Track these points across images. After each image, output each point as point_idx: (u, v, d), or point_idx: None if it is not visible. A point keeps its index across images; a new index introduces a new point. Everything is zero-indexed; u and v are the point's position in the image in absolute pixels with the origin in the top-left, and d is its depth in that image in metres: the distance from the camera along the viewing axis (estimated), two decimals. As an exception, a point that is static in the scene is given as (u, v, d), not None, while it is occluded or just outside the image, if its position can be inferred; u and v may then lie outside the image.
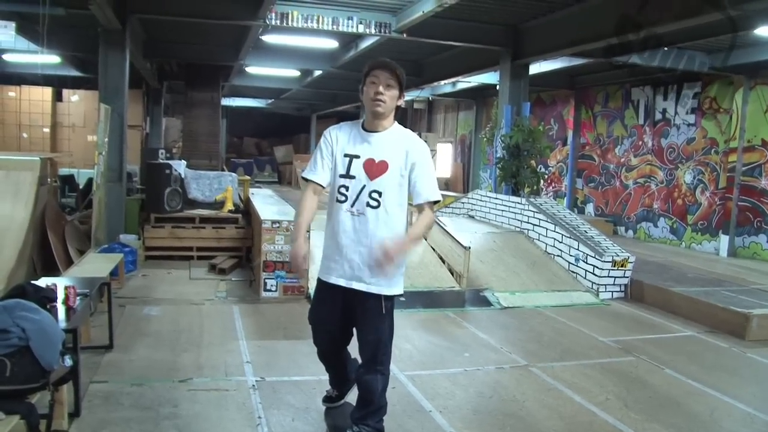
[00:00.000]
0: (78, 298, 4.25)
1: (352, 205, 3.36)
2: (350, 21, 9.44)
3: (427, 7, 8.51)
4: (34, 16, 8.91)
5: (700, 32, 9.05)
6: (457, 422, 4.15)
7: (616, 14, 8.29)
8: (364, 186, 3.32)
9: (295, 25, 9.32)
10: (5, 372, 3.08)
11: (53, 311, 3.87)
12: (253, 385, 4.60)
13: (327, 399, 3.97)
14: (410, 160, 3.33)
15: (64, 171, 12.29)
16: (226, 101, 21.70)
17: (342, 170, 3.40)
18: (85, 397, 4.14)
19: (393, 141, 3.36)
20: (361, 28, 9.60)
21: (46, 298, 3.86)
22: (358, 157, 3.36)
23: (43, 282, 4.39)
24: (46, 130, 14.07)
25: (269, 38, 11.37)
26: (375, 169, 3.32)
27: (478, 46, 10.68)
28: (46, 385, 3.24)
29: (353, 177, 3.37)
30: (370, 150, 3.36)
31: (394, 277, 3.38)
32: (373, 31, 9.63)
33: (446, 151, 21.86)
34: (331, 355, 3.73)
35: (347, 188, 3.37)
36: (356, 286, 3.39)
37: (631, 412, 4.46)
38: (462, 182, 20.49)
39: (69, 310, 4.05)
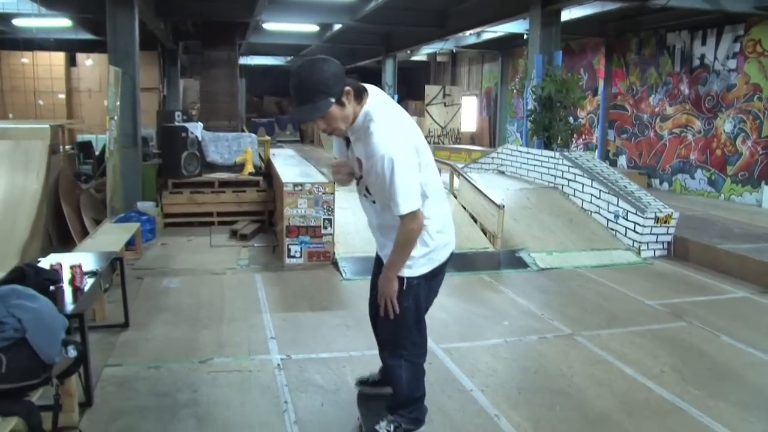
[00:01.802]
0: (86, 277, 3.94)
1: (358, 186, 3.04)
2: (371, -32, 8.87)
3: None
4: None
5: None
6: (502, 403, 3.80)
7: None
8: (361, 177, 2.91)
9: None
10: (0, 368, 2.77)
11: (58, 294, 3.57)
12: (278, 365, 4.28)
13: (362, 381, 3.63)
14: (368, 164, 2.76)
15: (81, 138, 12.03)
16: (244, 60, 21.19)
17: (345, 152, 3.00)
18: (99, 383, 3.86)
19: (357, 136, 2.80)
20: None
21: (49, 280, 3.54)
22: (349, 142, 2.91)
23: (47, 261, 4.08)
24: (61, 96, 13.78)
25: (285, -9, 10.83)
26: (358, 165, 2.85)
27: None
28: (48, 380, 2.94)
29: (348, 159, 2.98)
30: (353, 144, 2.88)
31: (415, 260, 2.94)
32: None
33: (471, 104, 21.22)
34: (374, 329, 3.37)
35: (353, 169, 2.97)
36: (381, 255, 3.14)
37: (689, 386, 4.06)
38: (488, 136, 19.91)
39: (76, 291, 3.74)
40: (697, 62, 12.76)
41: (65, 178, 7.49)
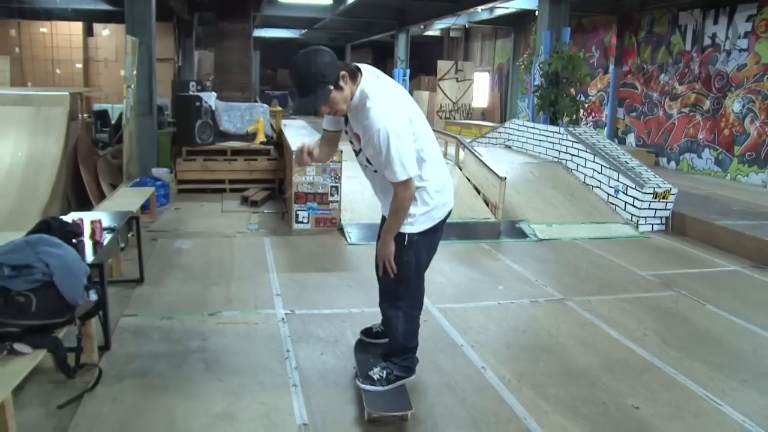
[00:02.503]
0: (105, 232, 4.23)
1: (356, 157, 3.27)
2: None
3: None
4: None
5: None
6: (490, 357, 4.08)
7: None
8: (361, 150, 3.14)
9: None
10: (30, 307, 3.06)
11: (80, 246, 3.85)
12: (282, 318, 4.57)
13: (367, 331, 3.85)
14: (366, 137, 2.99)
15: (98, 106, 12.31)
16: (259, 33, 21.35)
17: (339, 125, 3.29)
18: (116, 331, 4.17)
19: (354, 113, 3.04)
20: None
21: (72, 233, 3.82)
22: (348, 121, 3.15)
23: (70, 217, 4.36)
24: (79, 65, 14.03)
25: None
26: (357, 139, 3.11)
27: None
28: (72, 320, 3.23)
29: (347, 132, 3.23)
30: (351, 120, 3.12)
31: (415, 218, 3.18)
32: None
33: (483, 80, 21.28)
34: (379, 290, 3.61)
35: (352, 144, 3.23)
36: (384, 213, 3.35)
37: (669, 348, 4.32)
38: (500, 112, 20.01)
39: (96, 244, 4.03)
40: (708, 41, 12.79)
41: (83, 144, 7.77)
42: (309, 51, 2.93)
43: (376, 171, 3.13)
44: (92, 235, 4.07)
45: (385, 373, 3.39)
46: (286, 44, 26.98)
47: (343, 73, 2.92)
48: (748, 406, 3.55)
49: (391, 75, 18.87)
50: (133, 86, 7.69)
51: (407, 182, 2.98)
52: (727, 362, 4.14)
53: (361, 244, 6.66)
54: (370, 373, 3.40)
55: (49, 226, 3.67)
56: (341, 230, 7.13)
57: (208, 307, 4.74)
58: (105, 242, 4.12)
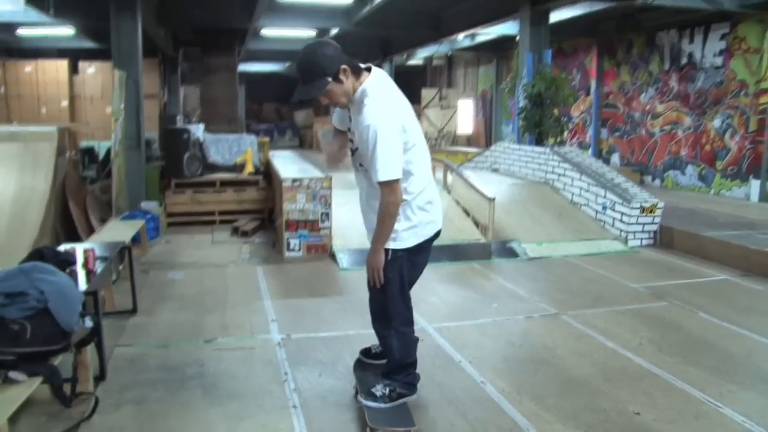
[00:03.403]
0: (98, 261, 4.22)
1: (352, 156, 3.32)
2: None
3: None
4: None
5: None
6: (487, 372, 4.08)
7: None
8: (357, 149, 3.20)
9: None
10: (25, 335, 3.05)
11: (73, 275, 3.83)
12: (279, 343, 4.56)
13: (366, 351, 3.81)
14: (359, 134, 3.08)
15: (84, 144, 12.31)
16: (243, 67, 21.50)
17: (347, 123, 3.32)
18: (111, 361, 4.13)
19: (354, 110, 3.13)
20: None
21: (65, 262, 3.83)
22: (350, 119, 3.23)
23: (62, 247, 4.36)
24: (65, 103, 14.04)
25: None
26: (352, 136, 3.19)
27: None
28: (67, 347, 3.21)
29: (350, 130, 3.28)
30: (351, 118, 3.21)
31: (398, 234, 3.19)
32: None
33: (467, 107, 21.50)
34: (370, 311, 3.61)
35: (351, 142, 3.28)
36: (367, 233, 3.37)
37: (665, 355, 4.34)
38: (484, 137, 20.18)
39: (89, 273, 4.02)
40: (685, 60, 13.05)
41: (72, 179, 7.77)
42: (314, 43, 3.05)
43: (365, 170, 3.16)
44: (85, 264, 4.06)
45: (387, 390, 3.38)
46: (270, 78, 27.24)
47: (344, 66, 2.99)
48: (747, 407, 3.57)
49: None
50: (121, 120, 7.72)
51: (392, 185, 3.00)
52: (723, 366, 4.17)
53: (353, 269, 6.67)
54: (373, 390, 3.39)
55: (42, 255, 3.68)
56: (333, 256, 7.13)
57: (204, 334, 4.72)
58: (98, 271, 4.11)
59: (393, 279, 3.23)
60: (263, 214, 8.99)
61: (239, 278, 6.35)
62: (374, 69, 3.16)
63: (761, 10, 11.00)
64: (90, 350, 3.64)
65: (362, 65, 3.12)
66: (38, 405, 3.47)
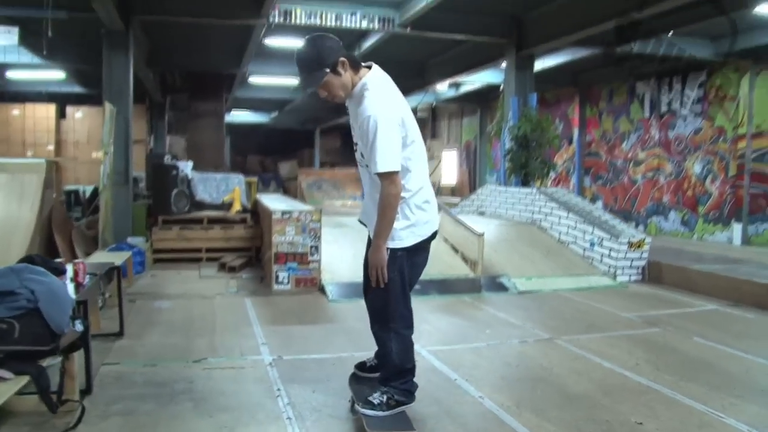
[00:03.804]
0: (87, 276, 4.14)
1: (356, 155, 3.32)
2: (353, 16, 9.38)
3: (432, -6, 8.48)
4: (36, 26, 8.93)
5: (703, 13, 8.94)
6: (485, 388, 4.00)
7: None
8: (357, 144, 3.22)
9: (298, 22, 9.28)
10: (13, 333, 2.96)
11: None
12: (270, 363, 4.45)
13: (361, 365, 3.71)
14: (359, 127, 3.10)
15: (69, 187, 12.26)
16: (229, 118, 21.68)
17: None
18: (96, 378, 3.99)
19: (354, 105, 3.18)
20: (364, 24, 9.53)
21: (56, 270, 3.73)
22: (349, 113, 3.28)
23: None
24: (51, 147, 14.04)
25: (271, 41, 11.31)
26: (353, 131, 3.22)
27: (481, 38, 10.62)
28: (56, 349, 3.12)
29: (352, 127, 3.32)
30: (351, 114, 3.26)
31: (397, 233, 3.17)
32: (376, 27, 9.57)
33: (451, 158, 21.76)
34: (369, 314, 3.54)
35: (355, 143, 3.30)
36: (369, 230, 3.34)
37: (663, 374, 4.29)
38: (468, 188, 20.35)
39: (78, 286, 3.93)
40: (665, 108, 13.37)
41: (58, 211, 7.68)
42: (314, 35, 3.09)
43: (367, 166, 3.16)
44: (75, 277, 3.97)
45: (385, 397, 3.28)
46: (255, 130, 27.50)
47: (342, 59, 3.02)
48: (750, 417, 3.52)
49: None
50: (110, 153, 7.70)
51: (392, 177, 2.99)
52: (722, 383, 4.12)
53: (342, 301, 6.59)
54: (370, 398, 3.29)
55: (32, 261, 3.59)
56: (322, 290, 7.04)
57: (193, 355, 4.60)
58: (87, 284, 4.03)
59: (394, 278, 3.19)
60: (250, 252, 8.91)
61: (227, 308, 6.24)
62: (374, 66, 3.19)
63: (735, 58, 11.39)
64: (78, 359, 3.52)
65: (363, 63, 3.16)
66: (20, 416, 3.34)
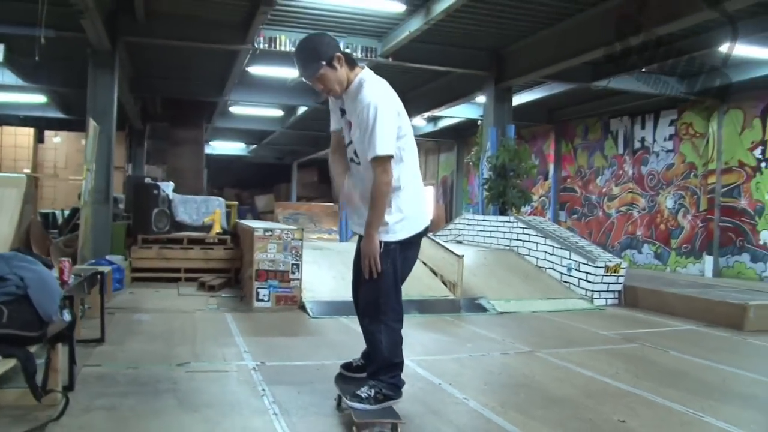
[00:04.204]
0: (72, 276, 4.13)
1: (347, 156, 3.40)
2: (336, 45, 9.54)
3: (414, 26, 8.71)
4: (20, 45, 8.98)
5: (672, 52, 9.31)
6: (470, 391, 4.03)
7: (596, 31, 8.54)
8: (350, 142, 3.31)
9: (282, 48, 9.45)
10: (1, 318, 2.95)
11: (48, 281, 3.73)
12: (254, 368, 4.44)
13: (347, 365, 3.71)
14: (357, 118, 3.18)
15: (44, 210, 12.12)
16: (207, 149, 21.73)
17: (339, 123, 3.43)
18: (78, 377, 3.93)
19: (351, 100, 3.26)
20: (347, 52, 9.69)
21: (44, 264, 3.72)
22: (344, 111, 3.35)
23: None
24: (27, 171, 13.89)
25: (255, 69, 11.48)
26: (349, 127, 3.30)
27: (461, 70, 10.87)
28: (44, 336, 3.10)
29: (343, 130, 3.40)
30: (348, 110, 3.32)
31: (390, 227, 3.24)
32: (359, 56, 9.75)
33: (428, 193, 21.97)
34: (357, 309, 3.56)
35: (345, 139, 3.39)
36: (358, 230, 3.39)
37: (643, 381, 4.37)
38: (445, 222, 20.50)
39: (63, 284, 3.91)
40: (638, 144, 13.75)
41: (36, 227, 7.60)
42: (312, 33, 3.29)
43: (359, 164, 3.23)
44: (60, 275, 3.96)
45: (373, 392, 3.28)
46: (233, 163, 27.53)
47: (338, 54, 3.13)
48: (728, 417, 3.60)
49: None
50: (92, 169, 7.69)
51: (385, 164, 3.08)
52: (699, 389, 4.21)
53: (323, 317, 6.59)
54: (358, 392, 3.29)
55: (19, 252, 3.58)
56: (303, 308, 7.03)
57: (175, 360, 4.56)
58: (71, 283, 4.01)
59: (387, 271, 3.24)
60: (230, 273, 8.87)
61: (208, 321, 6.21)
62: (366, 68, 3.31)
63: (704, 97, 11.80)
64: (61, 353, 3.49)
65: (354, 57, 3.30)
66: (2, 409, 3.29)
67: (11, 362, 2.82)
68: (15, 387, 3.48)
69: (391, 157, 3.09)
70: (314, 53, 3.14)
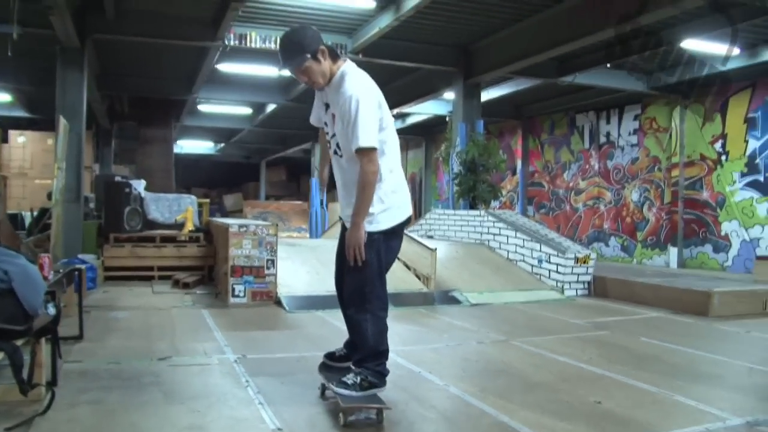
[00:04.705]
0: (51, 272, 4.12)
1: (330, 149, 3.48)
2: (307, 41, 9.57)
3: (384, 23, 8.80)
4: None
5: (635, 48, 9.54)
6: (449, 378, 4.13)
7: (562, 27, 8.73)
8: (333, 135, 3.38)
9: (253, 45, 9.45)
10: (-13, 312, 2.95)
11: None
12: (236, 360, 4.48)
13: (330, 355, 3.76)
14: (339, 110, 3.25)
15: (11, 211, 11.91)
16: (176, 149, 21.56)
17: (323, 117, 3.50)
18: (60, 372, 3.94)
19: (333, 92, 3.32)
20: (317, 48, 9.73)
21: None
22: (329, 106, 3.41)
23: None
24: (-8, 171, 13.64)
25: (224, 67, 11.44)
26: (333, 120, 3.36)
27: (430, 66, 10.99)
28: (29, 330, 3.11)
29: (326, 124, 3.47)
30: (331, 103, 3.38)
31: (373, 217, 3.31)
32: (329, 52, 9.76)
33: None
34: (340, 299, 3.64)
35: (328, 134, 3.45)
36: (344, 221, 3.48)
37: (615, 365, 4.52)
38: (414, 218, 20.65)
39: (43, 279, 3.90)
40: (603, 139, 14.04)
41: (5, 226, 7.54)
42: (296, 26, 3.34)
43: (341, 157, 3.31)
44: (40, 270, 3.94)
45: (359, 378, 3.35)
46: (199, 162, 27.30)
47: (322, 48, 3.22)
48: (698, 396, 3.76)
49: (307, 187, 18.70)
50: (63, 168, 7.62)
51: (370, 154, 3.15)
52: (669, 371, 4.38)
53: (300, 312, 6.64)
54: (344, 378, 3.36)
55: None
56: (279, 303, 7.06)
57: (156, 354, 4.57)
58: (52, 279, 4.01)
59: (371, 261, 3.31)
60: (203, 271, 8.85)
61: (185, 317, 6.21)
62: (348, 60, 3.38)
63: (667, 93, 12.11)
64: (44, 349, 3.50)
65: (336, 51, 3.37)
66: (-13, 405, 3.28)
67: None
68: (-2, 383, 3.50)
69: (375, 148, 3.16)
70: (299, 46, 3.21)
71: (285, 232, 19.97)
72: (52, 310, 3.28)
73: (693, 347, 5.11)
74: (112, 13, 8.47)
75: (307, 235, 17.25)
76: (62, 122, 7.59)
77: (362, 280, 3.36)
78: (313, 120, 3.62)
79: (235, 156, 26.89)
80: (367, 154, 3.15)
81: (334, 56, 3.31)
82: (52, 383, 3.65)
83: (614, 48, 9.41)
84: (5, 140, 13.88)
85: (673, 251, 12.26)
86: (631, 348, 5.14)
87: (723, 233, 11.53)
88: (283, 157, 25.53)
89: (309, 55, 3.20)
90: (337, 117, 3.26)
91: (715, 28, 8.61)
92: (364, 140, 3.13)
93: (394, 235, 3.47)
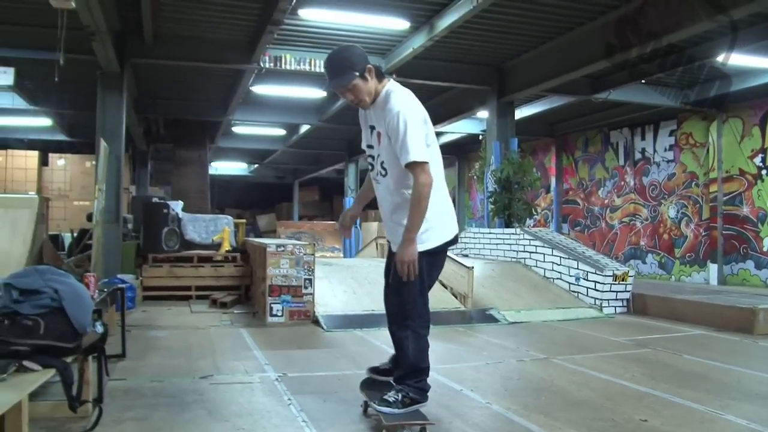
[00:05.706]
0: (97, 290, 4.20)
1: (373, 171, 3.50)
2: (341, 63, 9.69)
3: (417, 43, 8.85)
4: (29, 72, 9.08)
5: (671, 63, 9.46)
6: (491, 396, 4.10)
7: (595, 44, 8.69)
8: (378, 155, 3.40)
9: (288, 67, 9.59)
10: (38, 329, 3.00)
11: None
12: (277, 379, 4.50)
13: (374, 369, 3.76)
14: (386, 127, 3.26)
15: (51, 233, 12.18)
16: (211, 170, 21.91)
17: (367, 140, 3.51)
18: (105, 390, 4.00)
19: (379, 110, 3.34)
20: (351, 70, 9.84)
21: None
22: (373, 127, 3.44)
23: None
24: (32, 194, 13.97)
25: (259, 89, 11.61)
26: (378, 139, 3.38)
27: (464, 85, 11.02)
28: (79, 347, 3.16)
29: (372, 146, 3.47)
30: (375, 122, 3.41)
31: (418, 236, 3.26)
32: (363, 73, 9.86)
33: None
34: (388, 316, 3.63)
35: (372, 157, 3.47)
36: (392, 245, 3.49)
37: (660, 383, 4.43)
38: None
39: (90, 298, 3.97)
40: (638, 155, 13.88)
41: (48, 248, 7.67)
42: (345, 45, 3.44)
43: (386, 176, 3.33)
44: (86, 288, 4.02)
45: (400, 395, 3.34)
46: (232, 183, 27.64)
47: (370, 66, 3.25)
48: (748, 414, 3.66)
49: (340, 206, 18.85)
50: (103, 189, 7.77)
51: (423, 166, 3.15)
52: (716, 389, 4.27)
53: (338, 331, 6.65)
54: (386, 396, 3.36)
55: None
56: (316, 322, 7.09)
57: (198, 373, 4.62)
58: (97, 297, 4.08)
59: (421, 281, 3.32)
60: (240, 290, 8.93)
61: (224, 336, 6.26)
62: (392, 80, 3.42)
63: (704, 107, 11.95)
64: (91, 366, 3.56)
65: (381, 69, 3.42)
66: (35, 421, 3.33)
67: (48, 374, 2.88)
68: (46, 400, 3.57)
69: (427, 162, 3.18)
70: (347, 64, 3.25)
71: (319, 252, 20.08)
72: (100, 329, 3.34)
73: (740, 365, 4.99)
74: (150, 37, 8.67)
75: (341, 255, 17.33)
76: (102, 145, 7.76)
77: (404, 298, 3.37)
78: (364, 145, 3.62)
79: (269, 176, 27.17)
80: (419, 166, 3.15)
81: (380, 75, 3.35)
82: (98, 400, 3.72)
83: (648, 64, 9.33)
84: (46, 163, 14.26)
85: (712, 268, 12.02)
86: (674, 365, 5.04)
87: (765, 249, 11.27)
88: (315, 178, 25.72)
89: (357, 73, 3.23)
90: (383, 134, 3.27)
91: (753, 41, 8.49)
92: (415, 154, 3.14)
93: (438, 254, 3.46)
